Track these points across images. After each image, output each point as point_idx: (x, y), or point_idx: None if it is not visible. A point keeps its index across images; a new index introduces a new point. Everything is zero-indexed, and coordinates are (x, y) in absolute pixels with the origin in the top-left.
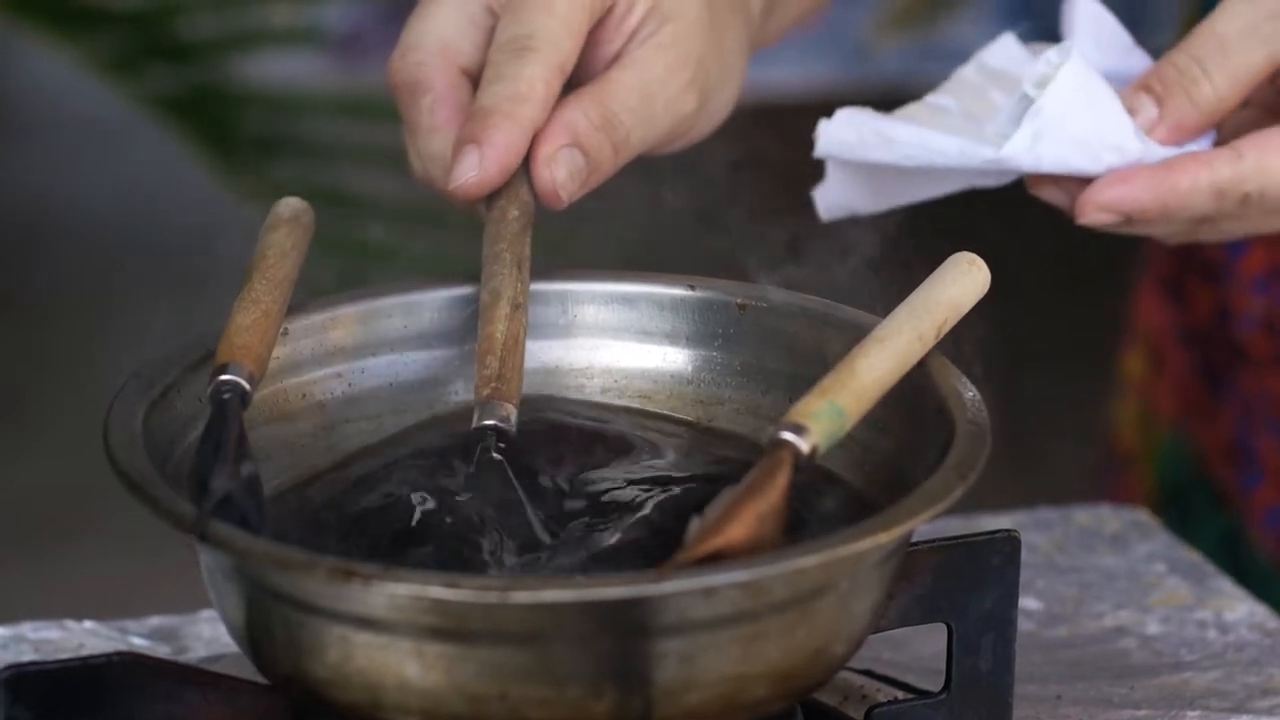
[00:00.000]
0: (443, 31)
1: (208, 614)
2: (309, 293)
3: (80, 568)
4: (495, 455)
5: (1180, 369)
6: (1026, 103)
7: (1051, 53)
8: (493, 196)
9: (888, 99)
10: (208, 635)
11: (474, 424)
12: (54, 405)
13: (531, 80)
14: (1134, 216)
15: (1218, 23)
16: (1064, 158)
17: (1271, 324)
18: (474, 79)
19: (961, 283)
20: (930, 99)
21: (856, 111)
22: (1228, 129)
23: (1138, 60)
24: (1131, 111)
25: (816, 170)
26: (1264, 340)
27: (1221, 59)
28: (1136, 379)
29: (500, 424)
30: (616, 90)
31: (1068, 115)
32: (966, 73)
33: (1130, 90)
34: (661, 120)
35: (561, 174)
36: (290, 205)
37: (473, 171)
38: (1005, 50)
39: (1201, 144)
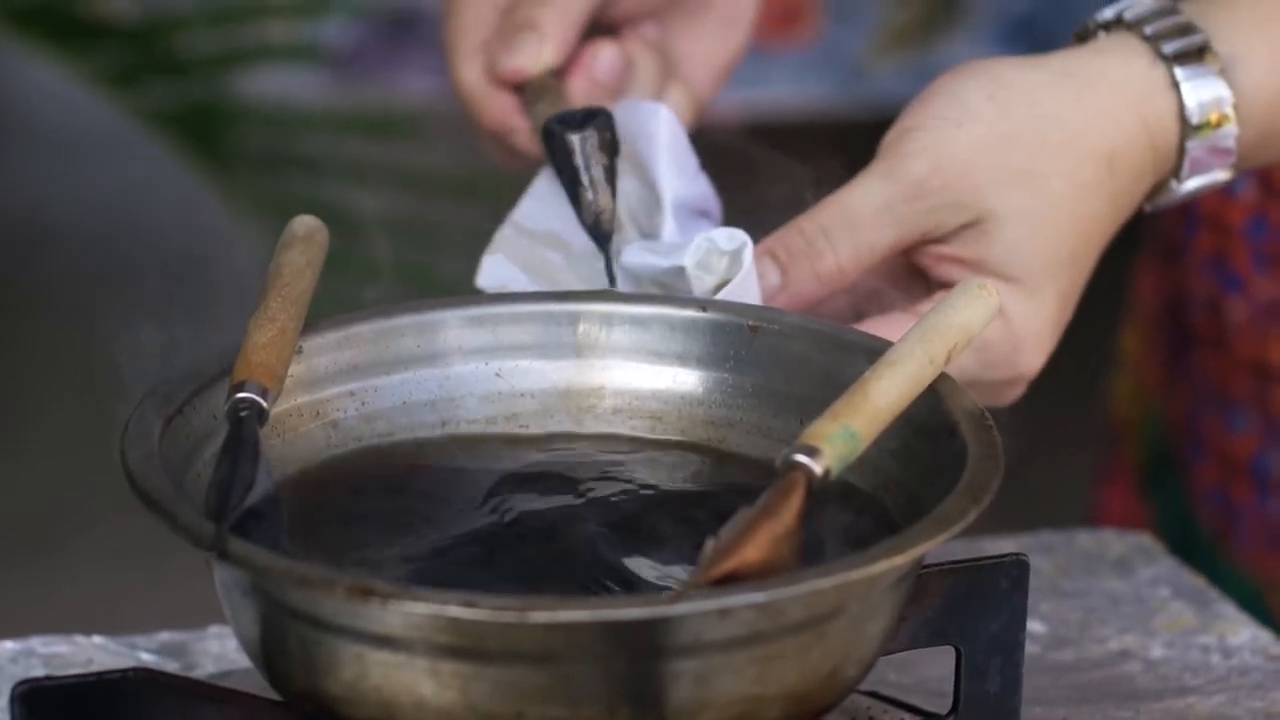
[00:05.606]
0: None
1: (215, 629)
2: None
3: (71, 579)
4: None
5: (1163, 345)
6: None
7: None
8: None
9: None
10: (216, 651)
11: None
12: (45, 419)
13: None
14: None
15: (852, 197)
16: None
17: (1214, 306)
18: None
19: (973, 306)
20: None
21: None
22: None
23: (702, 186)
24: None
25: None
26: (1208, 321)
27: (849, 234)
28: (1133, 354)
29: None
30: None
31: None
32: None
33: (755, 253)
34: None
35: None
36: (305, 223)
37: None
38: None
39: None
